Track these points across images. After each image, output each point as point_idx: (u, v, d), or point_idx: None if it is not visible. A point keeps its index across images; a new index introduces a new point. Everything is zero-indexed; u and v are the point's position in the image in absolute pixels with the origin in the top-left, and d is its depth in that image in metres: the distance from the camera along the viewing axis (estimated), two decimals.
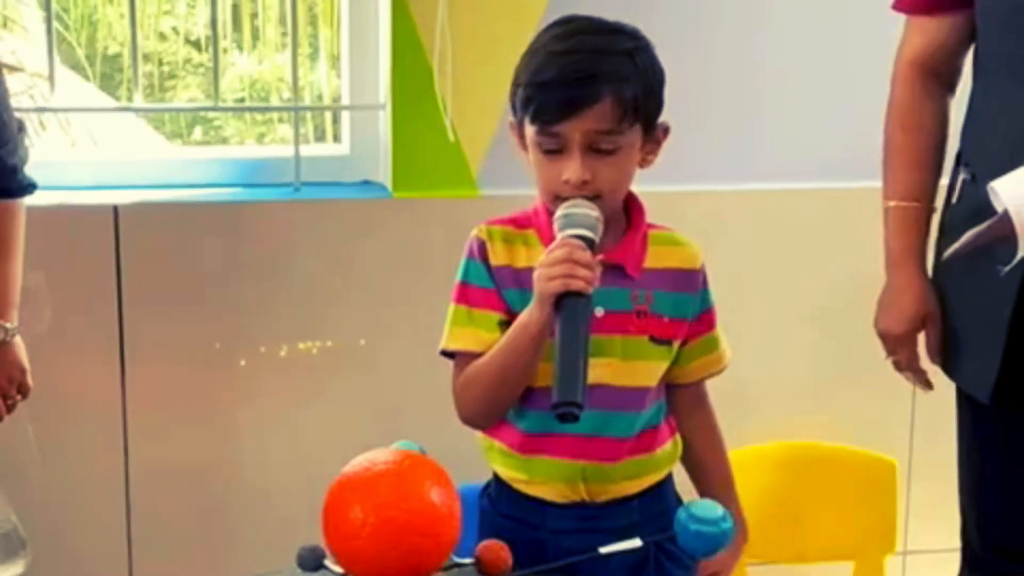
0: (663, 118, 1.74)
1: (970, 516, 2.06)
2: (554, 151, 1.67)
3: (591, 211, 1.65)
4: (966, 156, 1.95)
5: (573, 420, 1.54)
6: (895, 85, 2.02)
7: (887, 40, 2.54)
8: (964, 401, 2.02)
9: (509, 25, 2.38)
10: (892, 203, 2.02)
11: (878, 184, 2.55)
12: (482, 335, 1.73)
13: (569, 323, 1.58)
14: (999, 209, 1.62)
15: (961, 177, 1.94)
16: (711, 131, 2.57)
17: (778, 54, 2.59)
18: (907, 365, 2.05)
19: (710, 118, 2.56)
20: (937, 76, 1.99)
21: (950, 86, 2.02)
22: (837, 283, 2.64)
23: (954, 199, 1.97)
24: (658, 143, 1.75)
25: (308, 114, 3.36)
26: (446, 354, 1.78)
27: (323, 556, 1.54)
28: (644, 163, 1.74)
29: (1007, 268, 1.68)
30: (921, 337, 2.05)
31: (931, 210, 2.02)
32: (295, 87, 2.59)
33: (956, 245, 1.74)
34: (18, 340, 2.11)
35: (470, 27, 2.43)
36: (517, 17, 2.36)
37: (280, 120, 2.58)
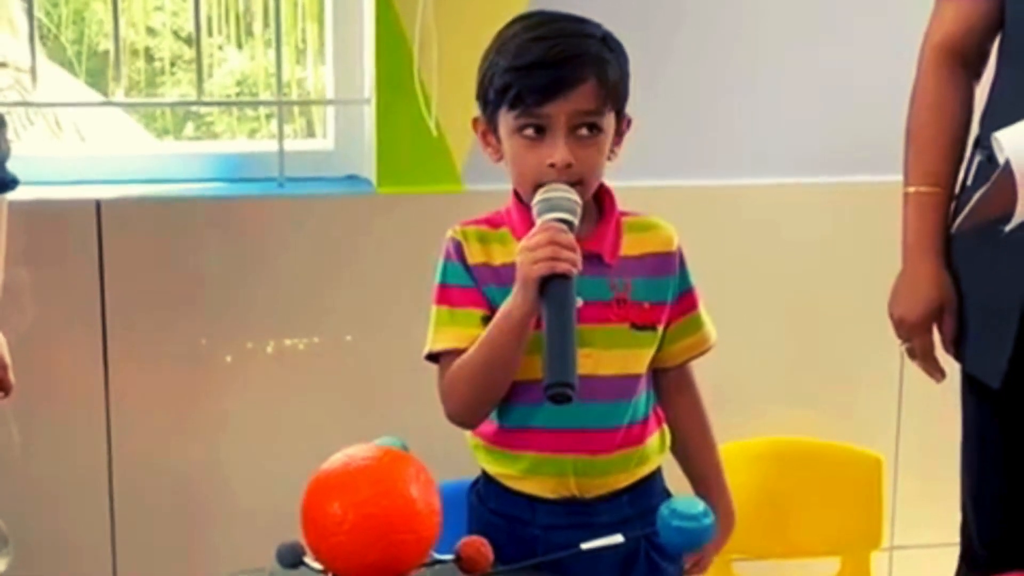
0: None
1: (970, 513, 2.06)
2: (535, 137, 1.68)
3: (570, 194, 1.65)
4: (984, 139, 1.94)
5: (567, 401, 1.54)
6: (921, 70, 2.01)
7: (875, 36, 2.56)
8: (969, 393, 2.02)
9: (493, 20, 2.34)
10: (912, 189, 2.00)
11: (866, 179, 2.57)
12: (465, 332, 1.72)
13: (556, 306, 1.58)
14: (1001, 161, 1.61)
15: (977, 159, 1.94)
16: (694, 125, 2.57)
17: (771, 48, 2.59)
18: (921, 353, 2.03)
19: (690, 112, 2.56)
20: (964, 61, 1.99)
21: (976, 73, 2.01)
22: (824, 277, 2.64)
23: (969, 181, 1.97)
24: (622, 135, 1.77)
25: (297, 111, 3.35)
26: (431, 358, 1.77)
27: (303, 553, 1.54)
28: (611, 155, 1.75)
29: (1009, 226, 1.66)
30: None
31: (951, 197, 2.00)
32: (279, 81, 2.58)
33: (964, 212, 1.73)
34: (0, 337, 2.10)
35: (454, 22, 2.42)
36: (501, 12, 2.31)
37: (270, 116, 2.57)
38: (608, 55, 1.71)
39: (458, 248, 1.76)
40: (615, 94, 1.71)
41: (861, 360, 2.65)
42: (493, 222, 1.78)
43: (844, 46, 2.58)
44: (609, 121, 1.71)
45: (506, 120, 1.71)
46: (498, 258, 1.74)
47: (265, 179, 2.55)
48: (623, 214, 1.80)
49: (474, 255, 1.75)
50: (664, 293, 1.79)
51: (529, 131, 1.69)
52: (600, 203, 1.78)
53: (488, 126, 1.76)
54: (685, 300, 1.82)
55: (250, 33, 5.02)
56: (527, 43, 1.69)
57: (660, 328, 1.79)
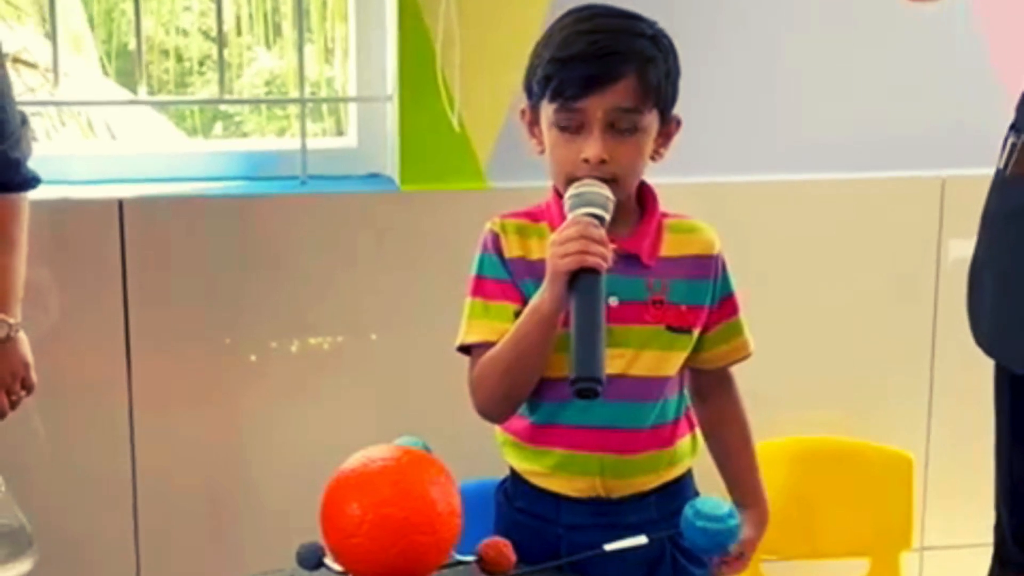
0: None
1: (1003, 510, 2.03)
2: (573, 130, 1.67)
3: (602, 190, 1.64)
4: (1020, 124, 1.93)
5: (593, 396, 1.53)
6: None
7: (902, 31, 2.53)
8: (1003, 385, 2.00)
9: (516, 16, 2.37)
10: None
11: (897, 174, 2.55)
12: (499, 326, 1.71)
13: (585, 300, 1.57)
14: None
15: (1011, 141, 1.93)
16: (723, 123, 2.54)
17: (792, 45, 2.56)
18: None
19: (719, 109, 2.53)
20: None
21: None
22: (854, 276, 2.61)
23: (1001, 164, 1.95)
24: (669, 136, 1.76)
25: (326, 111, 3.34)
26: (463, 349, 1.77)
27: (323, 554, 1.53)
28: (655, 156, 1.74)
29: None
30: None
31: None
32: (301, 79, 2.57)
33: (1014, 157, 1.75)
34: (22, 335, 2.10)
35: (477, 18, 2.40)
36: (524, 7, 2.34)
37: (299, 115, 2.56)
38: (654, 53, 1.69)
39: (495, 240, 1.75)
40: (657, 93, 1.69)
41: (890, 359, 2.63)
42: (533, 215, 1.77)
43: (876, 42, 2.56)
44: (650, 120, 1.69)
45: (546, 112, 1.70)
46: (535, 252, 1.73)
47: (288, 177, 2.54)
48: (665, 215, 1.78)
49: (511, 248, 1.74)
50: (702, 296, 1.78)
51: (566, 124, 1.68)
52: (642, 203, 1.77)
53: (533, 116, 1.74)
54: (726, 305, 1.81)
55: (279, 33, 5.04)
56: (572, 36, 1.69)
57: (695, 331, 1.78)
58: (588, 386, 1.52)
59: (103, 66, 4.85)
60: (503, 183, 2.45)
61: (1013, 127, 1.96)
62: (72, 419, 2.41)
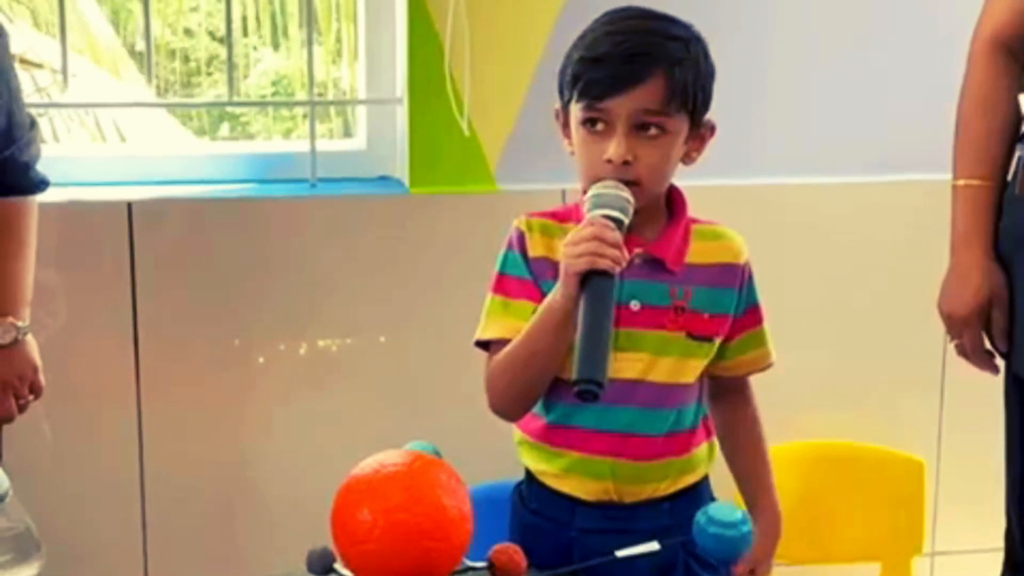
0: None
1: (1014, 517, 2.04)
2: (599, 131, 1.67)
3: (622, 192, 1.63)
4: None
5: (593, 398, 1.52)
6: (972, 62, 2.00)
7: (920, 34, 2.53)
8: (1014, 393, 1.99)
9: (526, 19, 2.36)
10: (962, 182, 1.99)
11: (908, 177, 2.54)
12: (517, 324, 1.71)
13: (593, 301, 1.56)
14: None
15: (1017, 155, 1.93)
16: (733, 126, 2.52)
17: (801, 45, 2.56)
18: (971, 349, 2.01)
19: (731, 112, 2.51)
20: (1014, 54, 1.97)
21: None
22: (865, 278, 2.61)
23: (1009, 177, 1.96)
24: (703, 140, 1.75)
25: (333, 112, 3.34)
26: (481, 345, 1.76)
27: (333, 559, 1.53)
28: (687, 159, 1.74)
29: None
30: None
31: (1001, 190, 1.99)
32: (310, 81, 2.57)
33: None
34: (30, 338, 2.09)
35: (487, 21, 2.40)
36: (533, 11, 2.33)
37: (306, 116, 2.57)
38: (683, 56, 1.67)
39: (520, 239, 1.75)
40: (684, 96, 1.67)
41: (903, 363, 2.62)
42: (559, 216, 1.77)
43: (888, 44, 2.55)
44: (677, 124, 1.68)
45: (574, 112, 1.70)
46: (559, 252, 1.70)
47: (297, 180, 2.53)
48: (693, 221, 1.78)
49: (535, 247, 1.74)
50: (726, 305, 1.77)
51: (591, 125, 1.67)
52: (671, 207, 1.77)
53: (565, 117, 1.74)
54: (751, 315, 1.80)
55: (286, 34, 5.05)
56: (601, 36, 1.68)
57: (717, 340, 1.77)
58: (588, 388, 1.51)
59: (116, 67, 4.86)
60: (512, 186, 2.44)
61: (1022, 139, 1.95)
62: (80, 422, 2.40)
